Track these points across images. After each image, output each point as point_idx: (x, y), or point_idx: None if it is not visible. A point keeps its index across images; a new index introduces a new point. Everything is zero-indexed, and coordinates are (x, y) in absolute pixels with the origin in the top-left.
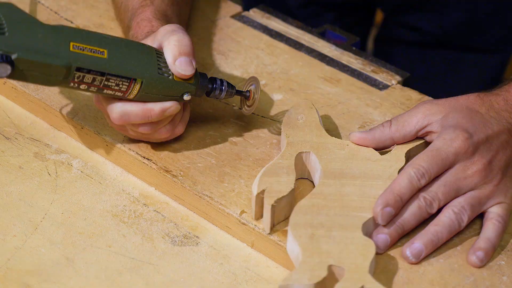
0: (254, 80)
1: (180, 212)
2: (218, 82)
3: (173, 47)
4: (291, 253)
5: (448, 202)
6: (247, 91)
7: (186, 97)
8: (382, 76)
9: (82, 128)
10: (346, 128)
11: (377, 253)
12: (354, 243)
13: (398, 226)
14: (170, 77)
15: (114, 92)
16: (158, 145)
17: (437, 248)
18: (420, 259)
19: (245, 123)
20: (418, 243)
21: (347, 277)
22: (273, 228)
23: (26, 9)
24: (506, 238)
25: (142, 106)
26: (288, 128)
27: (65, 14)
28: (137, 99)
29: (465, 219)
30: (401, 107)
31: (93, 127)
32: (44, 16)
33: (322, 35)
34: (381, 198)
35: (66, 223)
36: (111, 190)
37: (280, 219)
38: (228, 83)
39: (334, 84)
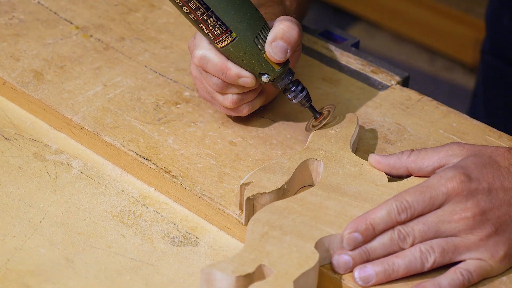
0: (331, 107)
1: (179, 212)
2: (299, 87)
3: (279, 29)
4: None
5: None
6: (320, 112)
7: (265, 79)
8: (382, 76)
9: (81, 128)
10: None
11: (337, 273)
12: (298, 252)
13: (363, 251)
14: (262, 51)
15: (207, 31)
16: (157, 146)
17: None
18: (369, 285)
19: (244, 123)
20: (370, 268)
21: (269, 279)
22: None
23: (26, 9)
24: None
25: (223, 60)
26: (316, 134)
27: (64, 15)
28: (223, 51)
29: (430, 261)
30: (400, 107)
31: (92, 127)
32: (43, 16)
33: (322, 35)
34: (352, 222)
35: (65, 224)
36: (110, 190)
37: None
38: (307, 94)
39: (333, 84)
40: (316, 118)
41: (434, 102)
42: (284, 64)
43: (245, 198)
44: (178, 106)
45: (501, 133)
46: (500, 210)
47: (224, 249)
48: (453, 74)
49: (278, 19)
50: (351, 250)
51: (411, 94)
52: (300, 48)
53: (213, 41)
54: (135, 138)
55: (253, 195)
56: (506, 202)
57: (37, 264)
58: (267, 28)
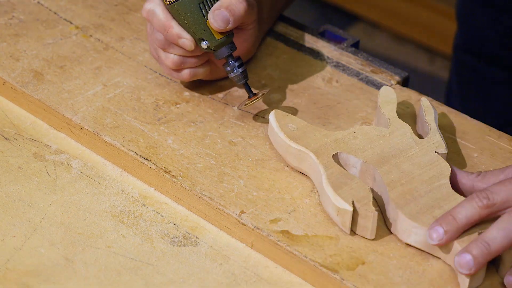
0: (268, 90)
1: (179, 212)
2: (238, 63)
3: (228, 0)
4: (425, 244)
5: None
6: (254, 93)
7: (204, 45)
8: (382, 76)
9: (81, 128)
10: (344, 128)
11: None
12: None
13: (482, 244)
14: (205, 17)
15: None
16: (157, 145)
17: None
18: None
19: (244, 123)
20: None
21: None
22: None
23: (26, 9)
24: None
25: (168, 18)
26: (300, 140)
27: (64, 15)
28: (169, 9)
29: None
30: (400, 107)
31: (92, 127)
32: (43, 16)
33: (322, 35)
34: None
35: (65, 224)
36: (110, 190)
37: None
38: (244, 71)
39: (333, 84)
40: (249, 97)
41: (434, 102)
42: (227, 35)
43: (372, 213)
44: (178, 106)
45: (501, 133)
46: None
47: (224, 249)
48: None
49: None
50: (437, 244)
51: (411, 94)
52: (254, 28)
53: None
54: (135, 138)
55: (376, 209)
56: None
57: (36, 264)
58: None
